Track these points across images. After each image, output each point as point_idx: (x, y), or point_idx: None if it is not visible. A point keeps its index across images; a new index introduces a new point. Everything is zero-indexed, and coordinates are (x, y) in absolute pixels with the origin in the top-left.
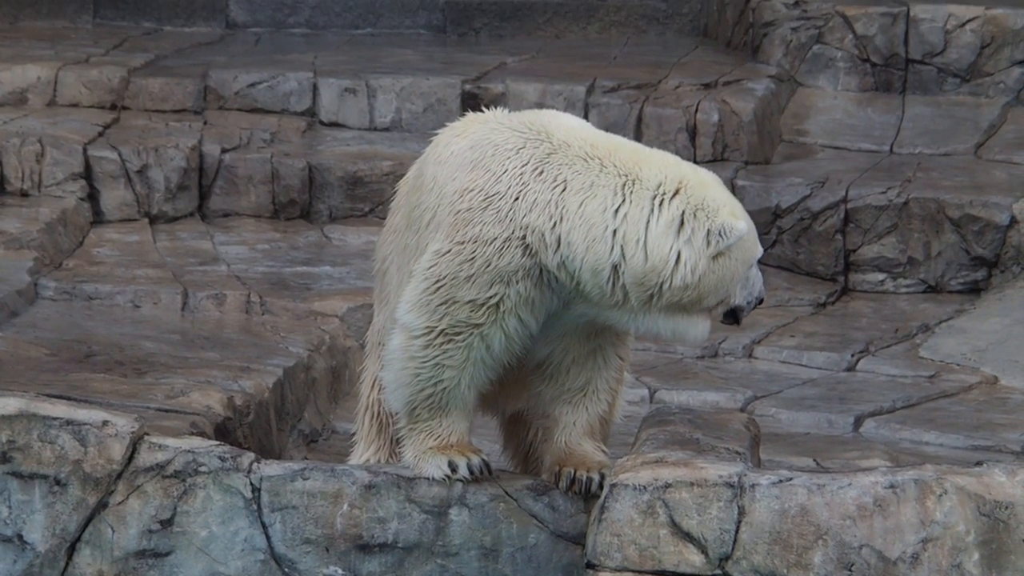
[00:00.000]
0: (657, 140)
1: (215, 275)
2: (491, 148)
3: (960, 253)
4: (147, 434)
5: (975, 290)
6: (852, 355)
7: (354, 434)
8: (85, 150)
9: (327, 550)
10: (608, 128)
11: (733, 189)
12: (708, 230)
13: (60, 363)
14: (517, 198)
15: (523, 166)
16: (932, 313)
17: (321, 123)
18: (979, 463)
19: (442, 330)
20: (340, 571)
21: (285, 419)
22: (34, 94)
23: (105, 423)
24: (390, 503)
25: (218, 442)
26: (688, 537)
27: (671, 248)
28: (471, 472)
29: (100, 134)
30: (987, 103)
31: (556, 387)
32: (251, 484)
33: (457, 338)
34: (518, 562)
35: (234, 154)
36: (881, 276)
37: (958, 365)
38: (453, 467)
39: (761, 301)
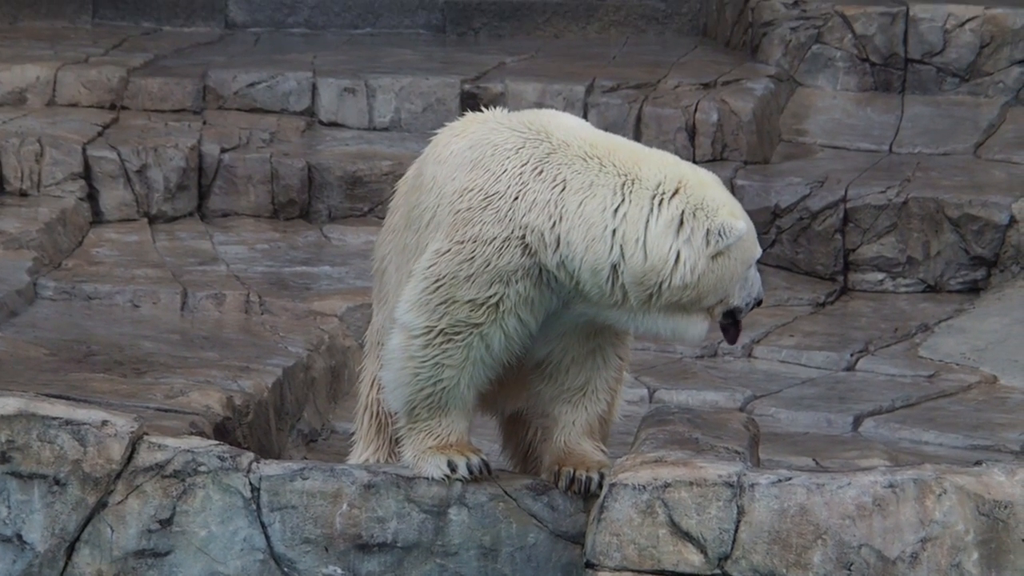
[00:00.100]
0: (656, 140)
1: (214, 275)
2: (490, 148)
3: (959, 253)
4: (146, 434)
5: (974, 290)
6: (851, 355)
7: (353, 434)
8: (84, 150)
9: (326, 550)
10: (607, 128)
11: (732, 189)
12: (707, 230)
13: (59, 363)
14: (516, 198)
15: (522, 166)
16: (931, 313)
17: (320, 123)
18: (978, 463)
19: (441, 329)
20: (339, 571)
21: (284, 419)
22: (33, 94)
23: (104, 423)
24: (389, 503)
25: (217, 442)
26: (687, 537)
27: (670, 248)
28: (470, 472)
29: (99, 134)
30: (986, 103)
31: (555, 386)
32: (250, 484)
33: (456, 338)
34: (517, 562)
35: (233, 154)
36: (880, 276)
37: (957, 365)
38: (452, 467)
39: (760, 302)
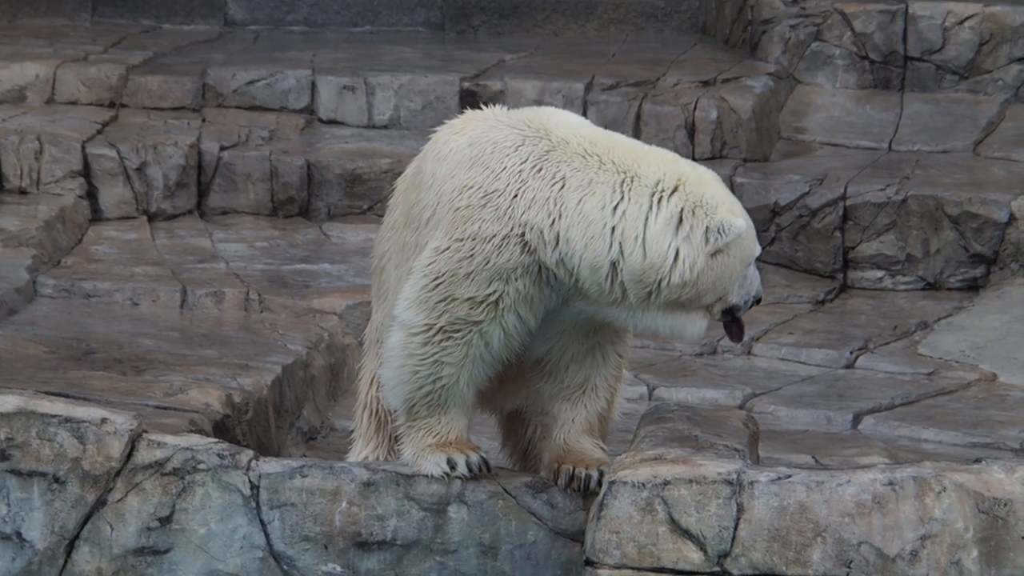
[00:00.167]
0: (656, 137)
1: (214, 273)
2: (490, 145)
3: (959, 250)
4: (146, 432)
5: (974, 287)
6: (851, 352)
7: (352, 431)
8: (84, 148)
9: (326, 547)
10: (607, 126)
11: (732, 186)
12: (707, 227)
13: (59, 361)
14: (516, 195)
15: (522, 163)
16: (931, 310)
17: (320, 121)
18: (978, 460)
19: (441, 327)
20: (339, 569)
21: (284, 416)
22: (33, 92)
23: (104, 421)
24: (389, 500)
25: (217, 439)
26: (687, 534)
27: (669, 245)
28: (470, 469)
29: (99, 132)
30: (986, 100)
31: (555, 384)
32: (250, 481)
33: (456, 335)
34: (517, 559)
35: (233, 152)
36: (880, 273)
37: (957, 362)
38: (452, 464)
39: (759, 300)
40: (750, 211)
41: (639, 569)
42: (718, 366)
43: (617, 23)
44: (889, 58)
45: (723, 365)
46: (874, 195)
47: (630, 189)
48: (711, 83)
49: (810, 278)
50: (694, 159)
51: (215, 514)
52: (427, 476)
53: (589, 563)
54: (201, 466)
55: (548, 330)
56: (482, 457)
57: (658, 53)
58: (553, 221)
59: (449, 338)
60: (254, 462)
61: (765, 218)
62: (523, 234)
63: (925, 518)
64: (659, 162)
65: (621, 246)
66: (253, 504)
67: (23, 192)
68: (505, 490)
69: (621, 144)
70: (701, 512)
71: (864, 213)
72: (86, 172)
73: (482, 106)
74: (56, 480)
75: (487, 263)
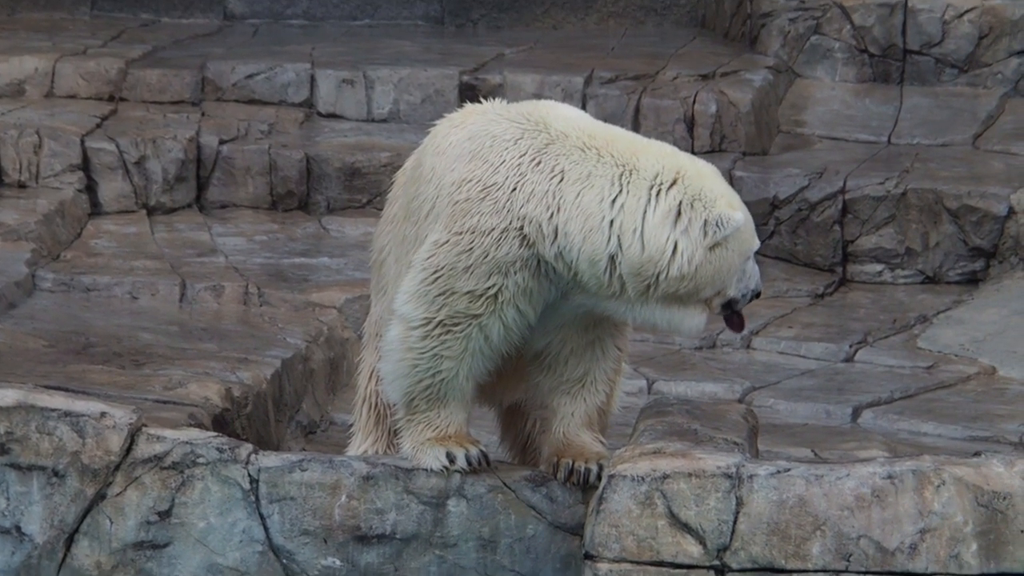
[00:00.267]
0: (655, 131)
1: (213, 266)
2: (489, 139)
3: (958, 244)
4: (145, 425)
5: (973, 281)
6: (850, 346)
7: (352, 425)
8: (83, 142)
9: (325, 541)
10: (606, 119)
11: (731, 180)
12: (705, 220)
13: (58, 354)
14: (515, 188)
15: (521, 157)
16: (930, 304)
17: (319, 114)
18: (977, 454)
19: (440, 321)
20: (338, 562)
21: (283, 410)
22: (32, 86)
23: (103, 414)
24: (388, 494)
25: (216, 433)
26: (686, 528)
27: (668, 238)
28: (469, 463)
29: (98, 126)
30: (985, 94)
31: (554, 378)
32: (249, 475)
33: (455, 329)
34: (516, 553)
35: (232, 145)
36: (879, 267)
37: (956, 356)
38: (451, 458)
39: (758, 294)
40: (749, 205)
41: (638, 563)
42: (717, 360)
43: (616, 17)
44: (888, 52)
45: (722, 359)
46: (873, 189)
47: (628, 182)
48: (710, 77)
49: (809, 272)
50: (693, 153)
51: (214, 508)
52: (426, 470)
53: (588, 557)
54: (200, 460)
55: (547, 324)
56: (481, 451)
57: (657, 47)
58: (552, 214)
59: (448, 332)
60: (253, 456)
61: (764, 212)
62: (522, 227)
63: (924, 512)
64: (658, 155)
65: (619, 239)
66: (252, 498)
67: (22, 186)
68: (504, 484)
69: (620, 137)
70: (700, 506)
71: (863, 207)
72: (85, 166)
73: (481, 100)
74: (55, 474)
75: (486, 256)
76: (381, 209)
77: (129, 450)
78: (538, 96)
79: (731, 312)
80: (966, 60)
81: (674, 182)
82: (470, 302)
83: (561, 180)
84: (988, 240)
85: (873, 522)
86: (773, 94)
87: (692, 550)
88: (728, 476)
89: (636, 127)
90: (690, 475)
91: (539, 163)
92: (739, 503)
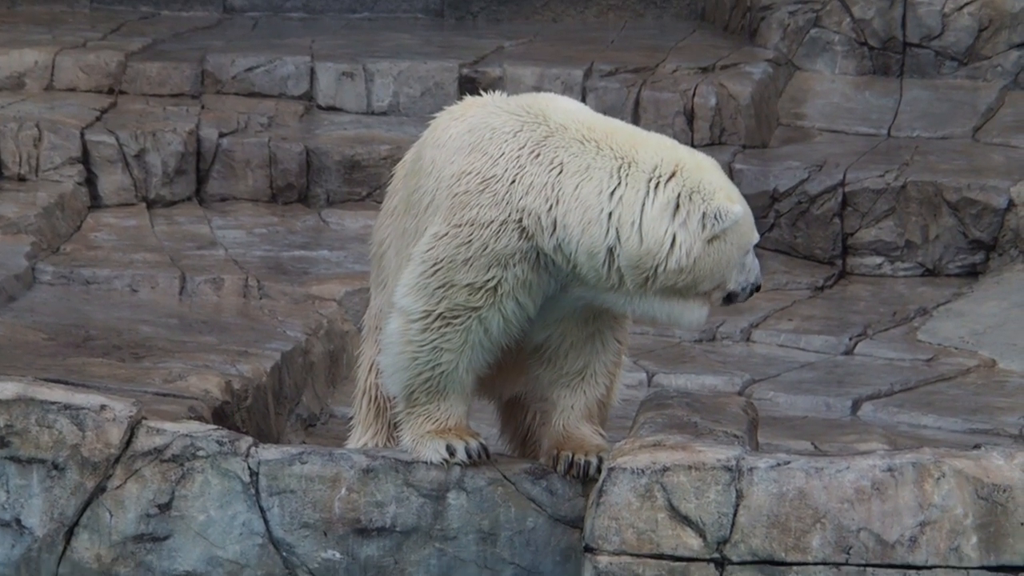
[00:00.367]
0: (655, 124)
1: (213, 259)
2: (488, 131)
3: (958, 236)
4: (145, 418)
5: (973, 273)
6: (850, 338)
7: (352, 418)
8: (83, 134)
9: (325, 534)
10: (605, 112)
11: (731, 173)
12: (703, 213)
13: (58, 347)
14: (514, 181)
15: (520, 149)
16: (930, 296)
17: (319, 107)
18: (977, 446)
19: (440, 314)
20: (338, 555)
21: (283, 403)
22: (31, 78)
23: (103, 407)
24: (388, 487)
25: (216, 426)
26: (686, 521)
27: (666, 231)
28: (469, 456)
29: (97, 119)
30: (985, 86)
31: (554, 371)
32: (249, 468)
33: (455, 321)
34: (516, 546)
35: (231, 138)
36: (879, 259)
37: (956, 348)
38: (451, 451)
39: (758, 288)
40: (749, 197)
41: (638, 555)
42: (717, 352)
43: (616, 9)
44: (888, 44)
45: (722, 351)
46: (873, 181)
47: (627, 175)
48: (710, 69)
49: (809, 264)
50: (693, 146)
51: (214, 501)
52: (426, 463)
53: (588, 549)
54: (200, 453)
55: (547, 316)
56: (481, 443)
57: (657, 39)
58: (551, 207)
59: (448, 324)
60: (253, 449)
61: (764, 204)
62: (521, 220)
63: (924, 504)
64: (657, 148)
65: (618, 232)
66: (252, 491)
67: (22, 179)
68: (504, 476)
69: (619, 130)
70: (700, 498)
71: (863, 199)
72: (85, 159)
73: (481, 92)
74: (55, 467)
75: (485, 249)
76: (381, 202)
77: (129, 443)
78: (538, 89)
79: (731, 304)
80: (966, 53)
81: (673, 175)
82: (469, 295)
83: (560, 172)
84: (988, 233)
85: (873, 515)
86: (773, 87)
87: (692, 543)
88: (728, 469)
89: (636, 120)
90: (690, 468)
91: (538, 155)
92: (739, 496)
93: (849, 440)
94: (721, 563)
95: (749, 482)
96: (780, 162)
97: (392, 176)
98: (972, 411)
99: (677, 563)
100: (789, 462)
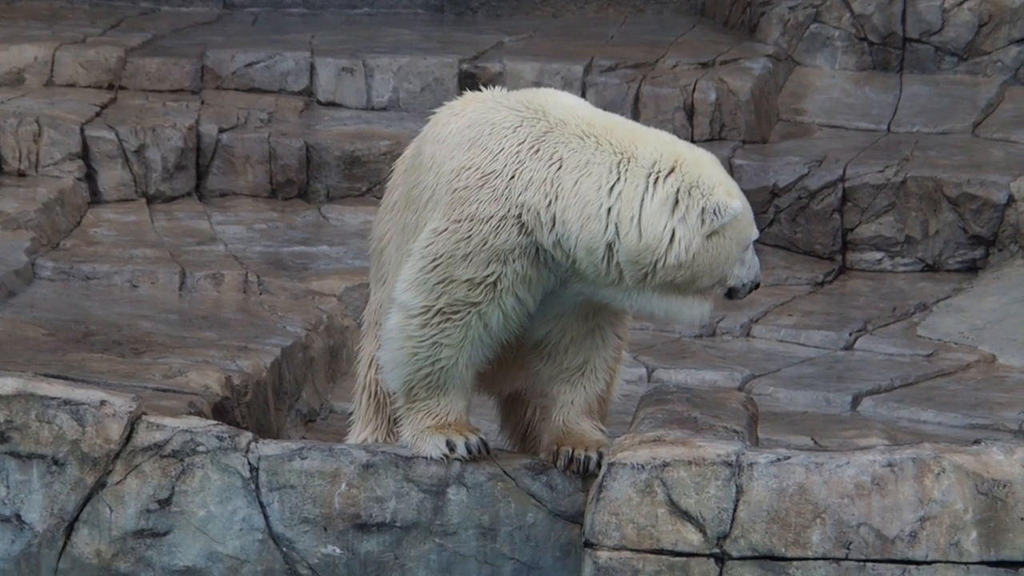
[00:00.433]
0: (654, 119)
1: (213, 255)
2: (488, 127)
3: (958, 232)
4: (145, 414)
5: (973, 269)
6: (850, 334)
7: (351, 414)
8: (82, 130)
9: (325, 529)
10: (605, 107)
11: (731, 168)
12: (702, 208)
13: (58, 343)
14: (513, 176)
15: (519, 144)
16: (930, 292)
17: (318, 103)
18: (977, 441)
19: (439, 309)
20: (338, 550)
21: (283, 399)
22: (31, 74)
23: (103, 403)
24: (388, 482)
25: (216, 422)
26: (686, 516)
27: (665, 226)
28: (469, 451)
29: (97, 114)
30: (985, 82)
31: (554, 366)
32: (249, 464)
33: (455, 317)
34: (516, 541)
35: (231, 134)
36: (879, 255)
37: (956, 344)
38: (451, 446)
39: (758, 285)
40: (749, 193)
41: (638, 551)
42: (717, 348)
43: (616, 5)
44: (888, 40)
45: (722, 347)
46: (873, 177)
47: (626, 170)
48: (710, 65)
49: (809, 260)
50: (693, 141)
51: (214, 496)
52: (426, 458)
53: (588, 545)
54: (200, 448)
55: (547, 312)
56: (481, 439)
57: (657, 35)
58: (550, 202)
59: (448, 320)
60: (253, 444)
61: (764, 200)
62: (520, 215)
63: (924, 499)
64: (656, 143)
65: (617, 227)
66: (252, 486)
67: (22, 175)
68: (504, 472)
69: (619, 125)
70: (700, 494)
71: (863, 195)
72: (85, 154)
73: (481, 88)
74: (55, 462)
75: (485, 244)
76: (380, 197)
77: (129, 438)
78: (538, 84)
79: (732, 299)
80: (966, 48)
81: (672, 170)
82: (469, 290)
83: (559, 168)
84: (988, 228)
85: (873, 510)
86: (773, 82)
87: (692, 538)
88: (728, 464)
89: (636, 115)
90: (690, 463)
91: (538, 151)
92: (739, 491)
93: (849, 435)
94: (721, 558)
95: (749, 477)
96: (780, 157)
97: (392, 172)
98: (972, 406)
99: (677, 558)
100: (789, 457)
